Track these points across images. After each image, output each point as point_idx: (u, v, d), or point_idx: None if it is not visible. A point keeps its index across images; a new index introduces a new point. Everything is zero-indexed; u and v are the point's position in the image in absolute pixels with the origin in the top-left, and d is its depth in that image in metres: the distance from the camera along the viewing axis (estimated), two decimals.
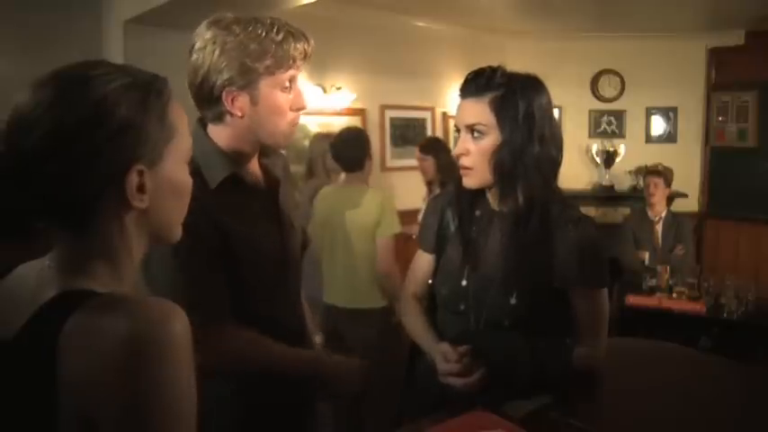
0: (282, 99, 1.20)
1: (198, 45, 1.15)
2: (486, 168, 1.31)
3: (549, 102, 1.33)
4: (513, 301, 1.30)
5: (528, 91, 1.29)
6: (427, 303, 1.51)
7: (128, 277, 0.75)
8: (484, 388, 1.24)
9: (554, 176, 1.34)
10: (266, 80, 1.17)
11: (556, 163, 1.33)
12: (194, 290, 1.13)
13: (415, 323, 1.47)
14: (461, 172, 1.36)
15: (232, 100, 1.16)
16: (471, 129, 1.31)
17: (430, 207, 1.53)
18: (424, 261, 1.51)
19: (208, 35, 1.15)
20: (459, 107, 1.35)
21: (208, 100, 1.18)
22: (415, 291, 1.53)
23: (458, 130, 1.36)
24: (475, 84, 1.31)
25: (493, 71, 1.30)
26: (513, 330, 1.31)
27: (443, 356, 1.28)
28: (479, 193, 1.39)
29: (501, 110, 1.28)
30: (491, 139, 1.29)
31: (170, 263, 1.12)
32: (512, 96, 1.28)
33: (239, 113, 1.18)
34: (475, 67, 1.33)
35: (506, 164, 1.28)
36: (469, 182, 1.35)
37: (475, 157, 1.31)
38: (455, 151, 1.36)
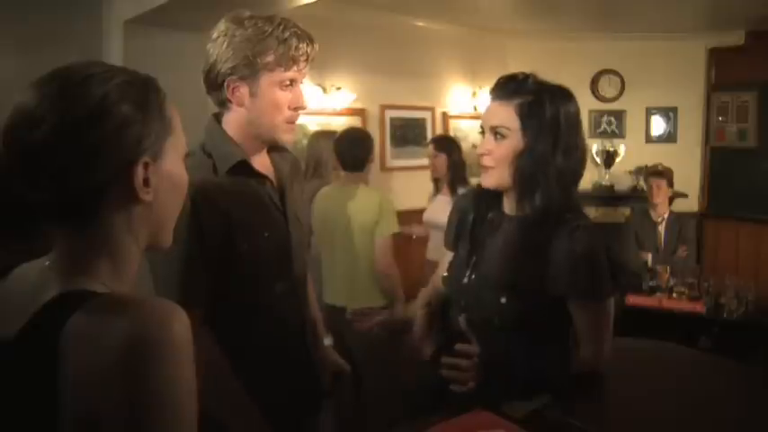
0: (281, 96, 1.27)
1: (214, 36, 1.27)
2: (504, 170, 1.33)
3: (578, 114, 1.34)
4: (503, 300, 1.31)
5: (556, 100, 1.30)
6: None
7: (128, 276, 0.75)
8: (479, 384, 1.24)
9: (574, 188, 1.35)
10: (266, 75, 1.25)
11: (577, 175, 1.34)
12: (181, 270, 1.17)
13: (419, 298, 1.57)
14: (481, 171, 1.38)
15: (233, 89, 1.26)
16: (494, 130, 1.33)
17: (455, 206, 1.58)
18: (446, 258, 1.56)
19: (222, 27, 1.25)
20: (487, 109, 1.38)
21: (213, 86, 1.28)
22: (436, 285, 1.59)
23: (482, 131, 1.38)
24: (505, 88, 1.34)
25: (525, 77, 1.33)
26: (504, 329, 1.31)
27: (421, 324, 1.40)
28: (497, 196, 1.42)
29: (527, 116, 1.30)
30: (512, 143, 1.31)
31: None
32: (539, 104, 1.29)
33: (237, 103, 1.27)
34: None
35: (527, 170, 1.30)
36: (487, 181, 1.37)
37: (495, 158, 1.33)
38: (478, 150, 1.38)
